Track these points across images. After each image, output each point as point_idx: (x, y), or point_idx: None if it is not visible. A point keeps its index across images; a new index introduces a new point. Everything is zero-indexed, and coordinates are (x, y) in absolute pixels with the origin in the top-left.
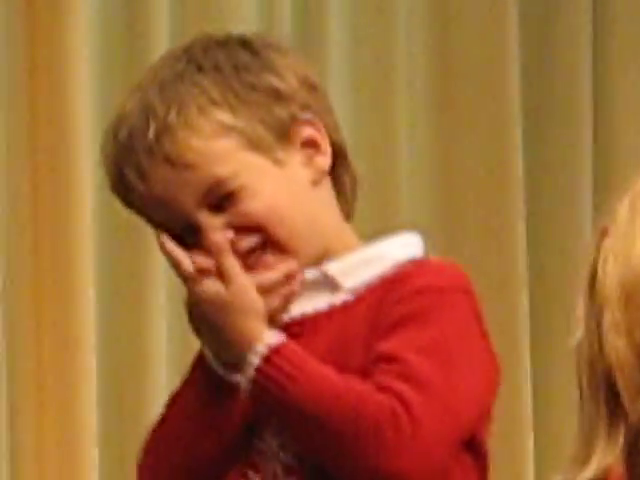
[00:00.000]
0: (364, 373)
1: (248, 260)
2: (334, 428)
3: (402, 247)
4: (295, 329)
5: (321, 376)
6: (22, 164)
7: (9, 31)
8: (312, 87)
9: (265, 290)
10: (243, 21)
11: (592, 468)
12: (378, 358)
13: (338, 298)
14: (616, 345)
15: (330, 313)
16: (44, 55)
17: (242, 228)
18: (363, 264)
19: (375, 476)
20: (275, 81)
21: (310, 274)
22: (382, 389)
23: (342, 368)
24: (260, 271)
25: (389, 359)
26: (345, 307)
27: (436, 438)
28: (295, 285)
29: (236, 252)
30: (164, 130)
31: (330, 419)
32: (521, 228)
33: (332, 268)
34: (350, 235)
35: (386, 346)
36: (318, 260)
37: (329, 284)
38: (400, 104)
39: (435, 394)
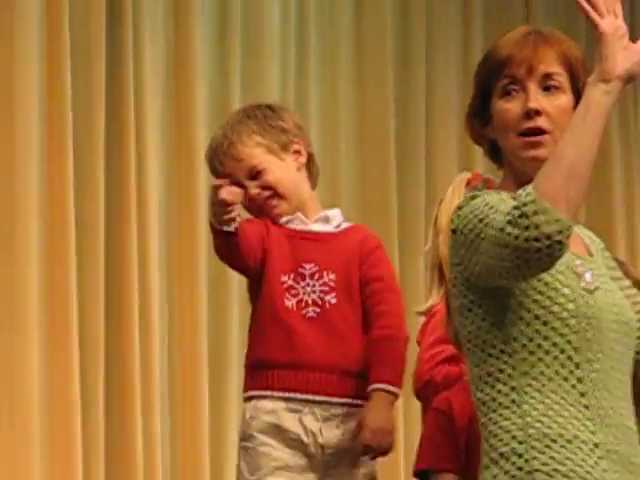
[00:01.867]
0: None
1: (265, 203)
2: None
3: (340, 213)
4: (316, 236)
5: None
6: None
7: None
8: (300, 126)
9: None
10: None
11: (428, 304)
12: (372, 278)
13: (330, 228)
14: (443, 249)
15: (332, 234)
16: None
17: (264, 187)
18: (332, 216)
19: None
20: (282, 124)
21: (319, 213)
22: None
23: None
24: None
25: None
26: (338, 233)
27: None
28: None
29: (260, 199)
30: (231, 144)
31: None
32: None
33: (327, 213)
34: (314, 197)
35: (376, 272)
36: (298, 208)
37: (324, 220)
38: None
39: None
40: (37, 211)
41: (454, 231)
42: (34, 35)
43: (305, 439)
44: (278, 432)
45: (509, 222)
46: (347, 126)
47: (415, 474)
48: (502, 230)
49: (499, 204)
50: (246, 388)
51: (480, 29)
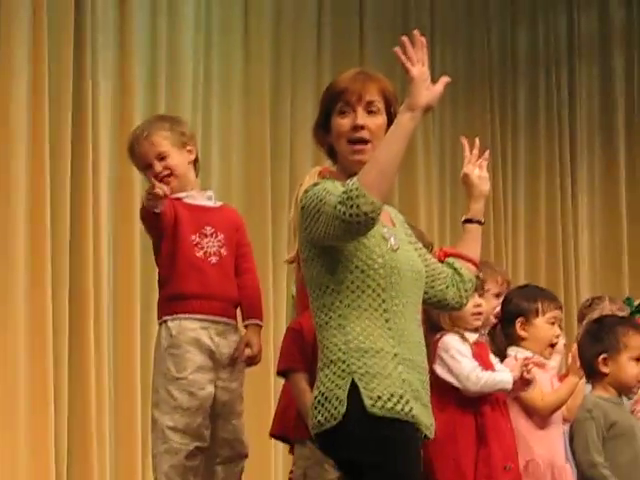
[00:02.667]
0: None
1: (163, 179)
2: None
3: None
4: (207, 208)
5: None
6: None
7: None
8: (193, 136)
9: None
10: None
11: (291, 255)
12: (243, 244)
13: (212, 204)
14: (295, 218)
15: (215, 207)
16: None
17: (165, 167)
18: (212, 196)
19: None
20: (183, 130)
21: (205, 194)
22: None
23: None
24: (166, 183)
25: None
26: (218, 207)
27: None
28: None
29: (161, 175)
30: (149, 133)
31: None
32: None
33: (209, 193)
34: (197, 184)
35: (245, 239)
36: (184, 188)
37: (209, 198)
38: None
39: None
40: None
41: (302, 207)
42: None
43: (212, 348)
44: (197, 343)
45: (339, 202)
46: (238, 139)
47: (278, 373)
48: (334, 207)
49: (333, 189)
50: (164, 314)
51: (329, 67)
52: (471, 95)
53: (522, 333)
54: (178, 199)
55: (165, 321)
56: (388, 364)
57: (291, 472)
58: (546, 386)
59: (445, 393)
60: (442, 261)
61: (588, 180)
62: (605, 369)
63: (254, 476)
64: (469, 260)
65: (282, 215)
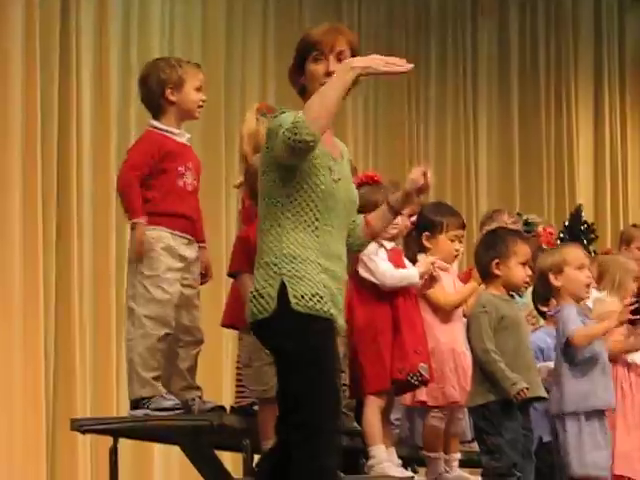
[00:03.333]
0: None
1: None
2: None
3: None
4: (187, 148)
5: None
6: None
7: None
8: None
9: None
10: None
11: (240, 180)
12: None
13: (189, 143)
14: (246, 147)
15: (190, 147)
16: None
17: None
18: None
19: None
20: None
21: (186, 135)
22: None
23: None
24: None
25: None
26: (189, 146)
27: None
28: None
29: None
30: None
31: None
32: None
33: (188, 135)
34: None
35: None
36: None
37: (188, 140)
38: None
39: None
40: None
41: (269, 129)
42: None
43: (181, 254)
44: (170, 250)
45: (287, 129)
46: None
47: (228, 275)
48: (284, 134)
49: (291, 118)
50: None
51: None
52: (390, 45)
53: (427, 244)
54: (170, 135)
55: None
56: (313, 271)
57: (238, 356)
58: (449, 286)
59: (366, 289)
60: None
61: (487, 112)
62: (498, 272)
63: (209, 358)
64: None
65: (234, 147)
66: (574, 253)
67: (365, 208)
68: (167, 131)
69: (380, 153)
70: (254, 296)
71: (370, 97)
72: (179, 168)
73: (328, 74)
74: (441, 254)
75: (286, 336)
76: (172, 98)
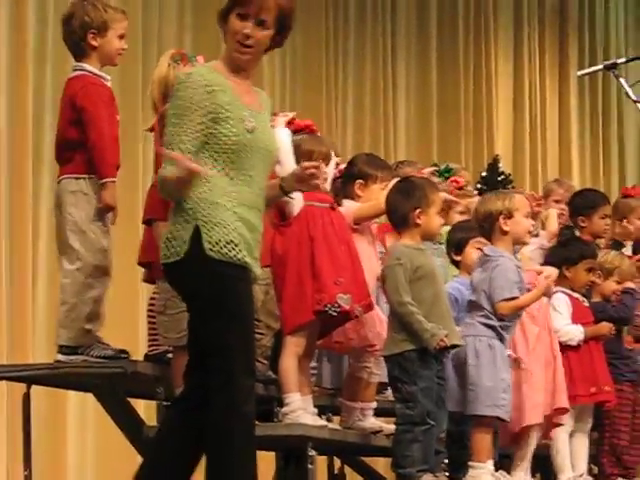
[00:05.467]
0: None
1: None
2: None
3: None
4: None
5: None
6: None
7: None
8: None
9: None
10: None
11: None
12: None
13: None
14: (156, 94)
15: None
16: None
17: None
18: None
19: None
20: None
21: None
22: None
23: None
24: None
25: None
26: None
27: None
28: None
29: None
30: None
31: None
32: None
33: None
34: None
35: None
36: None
37: None
38: None
39: None
40: None
41: (175, 86)
42: None
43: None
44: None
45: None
46: None
47: (143, 222)
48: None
49: (193, 81)
50: (84, 172)
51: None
52: None
53: (359, 192)
54: (104, 82)
55: (82, 178)
56: (228, 218)
57: (152, 298)
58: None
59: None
60: None
61: (406, 62)
62: (419, 221)
63: (123, 293)
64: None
65: None
66: (523, 200)
67: (299, 157)
68: (102, 77)
69: (298, 105)
70: (167, 239)
71: (287, 49)
72: (117, 117)
73: (242, 36)
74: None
75: (198, 281)
76: (94, 42)
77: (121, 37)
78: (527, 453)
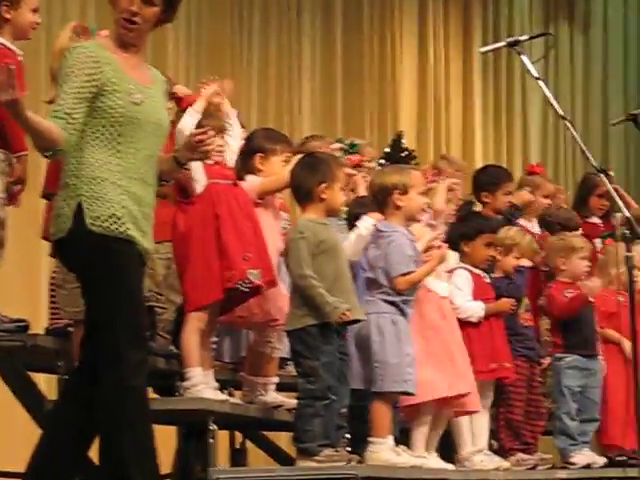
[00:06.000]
0: None
1: None
2: None
3: None
4: None
5: None
6: None
7: None
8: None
9: None
10: None
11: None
12: None
13: None
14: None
15: None
16: None
17: None
18: None
19: None
20: None
21: None
22: None
23: None
24: None
25: None
26: None
27: None
28: None
29: None
30: None
31: None
32: None
33: None
34: None
35: None
36: None
37: None
38: None
39: None
40: None
41: (64, 60)
42: None
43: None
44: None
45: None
46: None
47: (43, 196)
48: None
49: (83, 60)
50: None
51: None
52: None
53: (259, 166)
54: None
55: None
56: (111, 192)
57: (54, 272)
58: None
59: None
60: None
61: (310, 36)
62: (324, 196)
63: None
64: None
65: None
66: (419, 177)
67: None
68: (13, 51)
69: (202, 77)
70: (54, 216)
71: (192, 18)
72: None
73: (129, 13)
74: (271, 175)
75: (83, 256)
76: (7, 15)
77: (35, 10)
78: (424, 429)
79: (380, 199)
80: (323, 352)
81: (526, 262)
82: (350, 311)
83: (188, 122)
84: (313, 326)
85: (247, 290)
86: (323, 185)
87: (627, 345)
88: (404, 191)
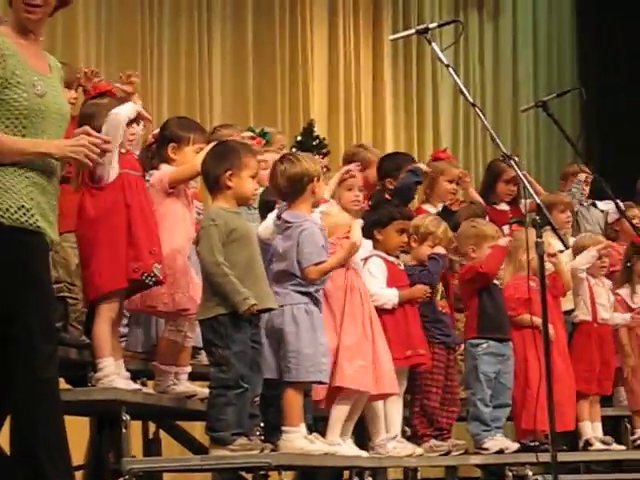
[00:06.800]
0: None
1: None
2: None
3: None
4: None
5: None
6: None
7: None
8: None
9: None
10: None
11: None
12: None
13: None
14: None
15: None
16: None
17: None
18: None
19: None
20: None
21: None
22: None
23: None
24: None
25: None
26: None
27: None
28: None
29: None
30: None
31: None
32: None
33: None
34: None
35: None
36: None
37: None
38: None
39: None
40: None
41: None
42: None
43: None
44: None
45: None
46: None
47: None
48: None
49: None
50: None
51: None
52: None
53: (172, 156)
54: None
55: None
56: (20, 184)
57: None
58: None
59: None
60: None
61: (221, 27)
62: (230, 183)
63: None
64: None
65: None
66: (317, 166)
67: (82, 121)
68: None
69: (113, 69)
70: None
71: (102, 6)
72: None
73: (24, 3)
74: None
75: None
76: None
77: None
78: (342, 416)
79: (298, 188)
80: (235, 341)
81: (441, 250)
82: (262, 300)
83: (127, 111)
84: (224, 315)
85: (152, 284)
86: (229, 172)
87: (550, 329)
88: (316, 179)
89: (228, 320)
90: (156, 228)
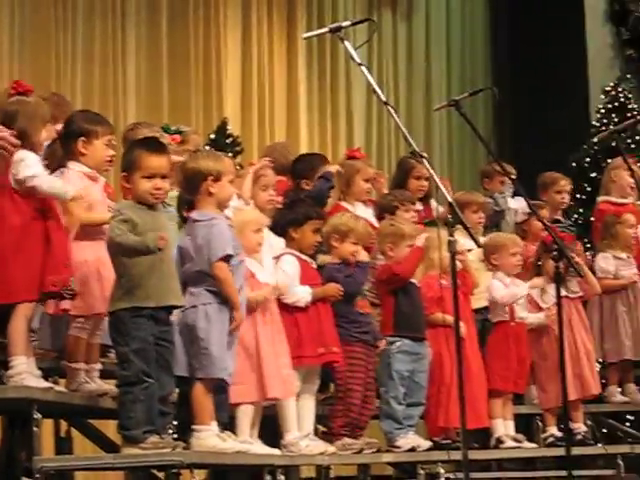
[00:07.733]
0: None
1: None
2: None
3: None
4: None
5: None
6: None
7: None
8: None
9: None
10: None
11: None
12: None
13: None
14: None
15: None
16: None
17: None
18: None
19: None
20: None
21: None
22: None
23: None
24: None
25: None
26: None
27: None
28: None
29: None
30: None
31: None
32: None
33: None
34: None
35: None
36: None
37: None
38: None
39: None
40: None
41: None
42: None
43: None
44: None
45: None
46: None
47: None
48: None
49: None
50: None
51: None
52: None
53: (83, 150)
54: None
55: None
56: None
57: None
58: (97, 195)
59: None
60: None
61: (136, 26)
62: (128, 185)
63: None
64: None
65: None
66: (231, 165)
67: (4, 120)
68: None
69: (27, 69)
70: None
71: (16, 17)
72: None
73: None
74: (97, 160)
75: None
76: None
77: None
78: (245, 416)
79: (193, 184)
80: (134, 338)
81: (365, 257)
82: (168, 296)
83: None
84: (123, 310)
85: (69, 297)
86: (124, 174)
87: (462, 326)
88: (217, 178)
89: (127, 316)
90: (68, 241)
